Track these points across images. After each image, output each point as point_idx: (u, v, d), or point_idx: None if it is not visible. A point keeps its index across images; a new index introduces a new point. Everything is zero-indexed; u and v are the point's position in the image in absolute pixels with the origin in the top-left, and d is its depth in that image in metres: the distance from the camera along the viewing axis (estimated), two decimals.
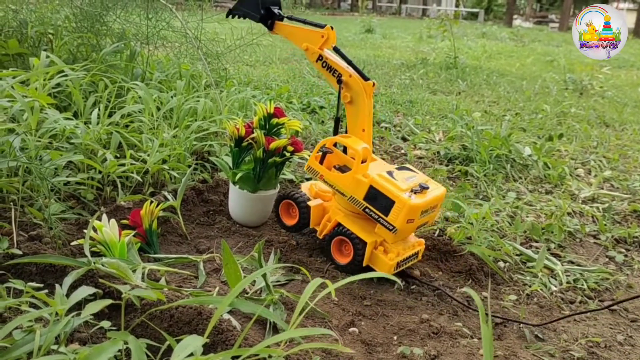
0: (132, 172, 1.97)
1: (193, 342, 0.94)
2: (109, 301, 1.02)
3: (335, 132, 1.84)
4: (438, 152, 3.09)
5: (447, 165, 2.95)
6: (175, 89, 2.76)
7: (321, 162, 1.76)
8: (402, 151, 3.17)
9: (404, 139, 3.43)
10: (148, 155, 2.05)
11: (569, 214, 2.40)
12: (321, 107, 3.75)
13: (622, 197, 2.67)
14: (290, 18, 1.89)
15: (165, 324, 1.25)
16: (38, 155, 1.72)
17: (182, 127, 2.39)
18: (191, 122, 2.46)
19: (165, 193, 1.97)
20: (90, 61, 2.70)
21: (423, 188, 1.63)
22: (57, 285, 1.08)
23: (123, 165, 1.95)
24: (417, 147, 3.23)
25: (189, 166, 2.17)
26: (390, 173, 1.68)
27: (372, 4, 36.42)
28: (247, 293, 1.48)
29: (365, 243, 1.67)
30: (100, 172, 1.92)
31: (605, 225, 2.30)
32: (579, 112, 4.62)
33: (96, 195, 1.94)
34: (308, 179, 2.43)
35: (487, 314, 1.15)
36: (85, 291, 1.09)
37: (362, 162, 1.68)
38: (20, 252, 1.43)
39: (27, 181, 1.69)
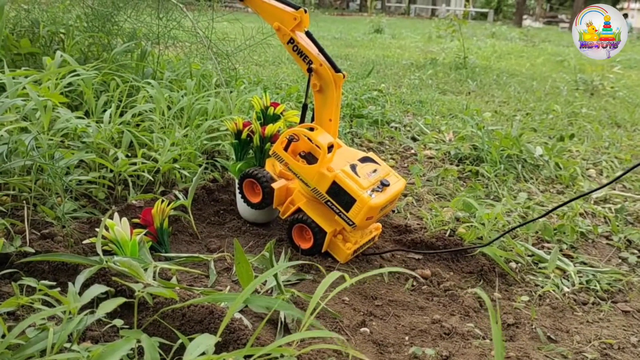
0: (144, 171, 1.97)
1: (205, 341, 0.95)
2: (122, 300, 1.02)
3: (303, 119, 1.84)
4: (448, 152, 3.08)
5: (457, 165, 2.93)
6: (185, 88, 2.77)
7: (286, 149, 1.75)
8: (412, 151, 3.16)
9: (414, 139, 3.42)
10: (159, 154, 2.05)
11: (581, 214, 2.38)
12: None
13: (635, 197, 2.64)
14: None
15: (177, 322, 1.25)
16: (51, 154, 1.73)
17: (192, 126, 2.39)
18: (202, 121, 2.47)
19: (176, 192, 1.97)
20: (102, 60, 2.71)
21: (384, 185, 1.68)
22: (69, 284, 1.08)
23: (134, 164, 1.95)
24: (427, 147, 3.22)
25: (200, 165, 2.17)
26: (353, 167, 1.71)
27: (381, 4, 36.37)
28: (259, 292, 1.48)
29: (324, 232, 1.72)
30: (111, 171, 1.92)
31: (618, 226, 2.28)
32: (590, 112, 4.59)
33: (108, 194, 1.94)
34: None
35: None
36: (97, 289, 1.09)
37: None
38: (32, 251, 1.44)
39: (40, 180, 1.70)
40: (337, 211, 1.68)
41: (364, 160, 1.78)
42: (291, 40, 1.74)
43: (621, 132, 4.00)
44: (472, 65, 6.86)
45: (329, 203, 1.69)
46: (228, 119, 2.58)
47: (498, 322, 0.83)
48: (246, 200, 1.90)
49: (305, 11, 1.73)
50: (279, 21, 1.75)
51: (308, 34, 1.74)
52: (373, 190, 1.66)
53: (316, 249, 1.76)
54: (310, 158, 1.77)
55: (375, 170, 1.74)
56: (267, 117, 2.05)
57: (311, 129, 1.74)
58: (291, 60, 6.35)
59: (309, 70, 1.73)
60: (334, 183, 1.67)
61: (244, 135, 1.96)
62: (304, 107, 1.83)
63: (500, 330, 0.87)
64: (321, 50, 1.73)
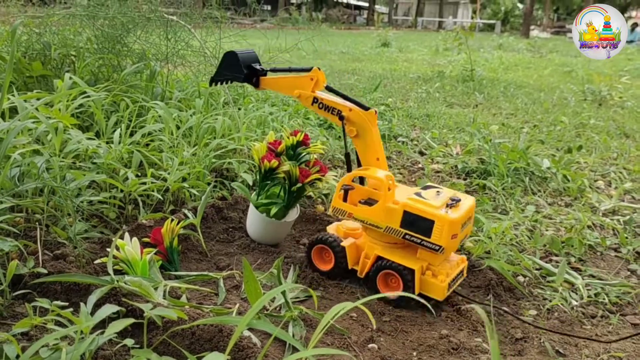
0: (153, 191, 2.00)
1: None
2: (131, 320, 1.04)
3: (349, 169, 1.82)
4: (456, 166, 3.09)
5: (465, 179, 2.94)
6: (194, 107, 2.81)
7: (344, 200, 1.72)
8: (420, 165, 3.17)
9: (422, 153, 3.43)
10: (168, 173, 2.08)
11: (589, 227, 2.38)
12: None
13: None
14: (273, 70, 1.89)
15: (187, 341, 1.27)
16: (62, 176, 1.76)
17: (201, 145, 2.42)
18: (210, 140, 2.50)
19: (186, 211, 2.00)
20: (112, 82, 2.76)
21: (455, 201, 1.60)
22: (81, 304, 1.10)
23: (144, 183, 1.99)
24: (434, 161, 3.23)
25: (209, 184, 2.20)
26: (418, 194, 1.64)
27: (387, 18, 36.56)
28: (267, 310, 1.50)
29: (412, 271, 1.61)
30: (122, 191, 1.95)
31: (627, 238, 2.27)
32: (598, 123, 4.58)
33: (118, 214, 1.97)
34: (326, 195, 2.45)
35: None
36: (109, 309, 1.12)
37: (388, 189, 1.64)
38: (45, 271, 1.47)
39: (52, 201, 1.73)
40: (419, 241, 1.59)
41: (425, 188, 1.72)
42: (315, 100, 1.77)
43: (630, 143, 3.99)
44: (479, 78, 6.88)
45: (407, 236, 1.60)
46: (248, 138, 2.62)
47: (495, 337, 0.84)
48: (314, 268, 1.81)
49: (319, 69, 1.76)
50: (298, 89, 1.79)
51: (328, 88, 1.77)
52: (447, 207, 1.58)
53: (408, 292, 1.58)
54: (371, 203, 1.70)
55: (439, 192, 1.67)
56: (296, 153, 2.02)
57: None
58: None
59: (341, 118, 1.73)
60: (406, 212, 1.59)
61: (271, 165, 1.92)
62: (347, 156, 1.82)
63: (497, 346, 0.88)
64: (344, 97, 1.75)
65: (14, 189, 1.61)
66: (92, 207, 1.90)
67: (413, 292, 1.59)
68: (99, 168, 1.97)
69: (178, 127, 2.46)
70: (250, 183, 2.31)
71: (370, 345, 1.44)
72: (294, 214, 2.00)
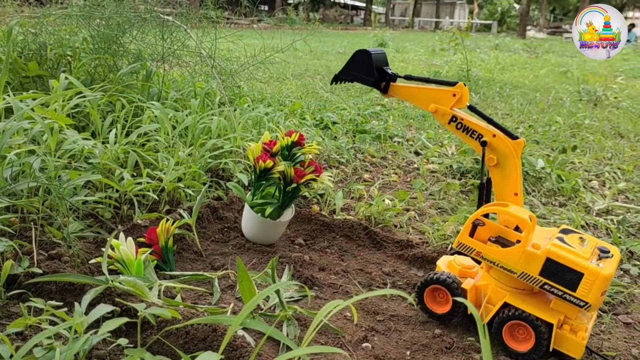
0: (149, 191, 2.01)
1: (208, 359, 0.97)
2: (125, 319, 1.05)
3: (481, 201, 1.64)
4: (451, 166, 3.10)
5: (460, 179, 2.95)
6: (190, 107, 2.81)
7: (471, 236, 1.53)
8: (415, 165, 3.18)
9: (417, 153, 3.44)
10: (164, 173, 2.09)
11: (582, 226, 2.39)
12: (334, 123, 3.78)
13: (637, 209, 2.65)
14: (407, 78, 1.73)
15: (181, 340, 1.28)
16: (57, 176, 1.77)
17: (197, 145, 2.43)
18: (206, 140, 2.51)
19: (181, 211, 2.00)
20: (108, 82, 2.76)
21: (604, 252, 1.42)
22: (76, 304, 1.11)
23: (140, 183, 1.99)
24: (429, 161, 3.24)
25: (204, 184, 2.21)
26: (561, 240, 1.46)
27: (384, 18, 36.59)
28: (262, 309, 1.51)
29: (550, 325, 1.43)
30: (117, 191, 1.96)
31: (620, 237, 2.29)
32: (593, 123, 4.60)
33: (114, 214, 1.98)
34: (321, 195, 2.46)
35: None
36: (103, 309, 1.12)
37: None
38: (40, 271, 1.47)
39: (47, 201, 1.73)
40: (561, 294, 1.40)
41: (565, 232, 1.52)
42: (453, 119, 1.60)
43: (624, 143, 4.01)
44: (475, 78, 6.90)
45: (545, 286, 1.41)
46: (243, 138, 2.62)
47: (486, 336, 0.85)
48: (430, 313, 1.62)
49: (465, 85, 1.60)
50: (434, 102, 1.62)
51: (471, 108, 1.61)
52: (599, 259, 1.40)
53: (541, 349, 1.44)
54: (501, 243, 1.53)
55: (583, 239, 1.48)
56: (291, 154, 2.00)
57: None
58: (295, 76, 6.41)
59: (483, 144, 1.56)
60: (549, 260, 1.40)
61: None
62: (481, 188, 1.63)
63: (489, 345, 0.89)
64: (489, 120, 1.57)
65: (9, 188, 1.61)
66: (87, 207, 1.91)
67: (547, 349, 1.44)
68: (95, 168, 1.97)
69: (174, 127, 2.47)
70: (246, 183, 2.32)
71: (364, 345, 1.45)
72: (289, 214, 2.01)
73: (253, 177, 1.98)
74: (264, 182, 1.97)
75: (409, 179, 2.95)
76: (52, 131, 1.82)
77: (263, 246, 1.97)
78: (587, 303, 1.37)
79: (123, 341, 1.19)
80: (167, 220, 1.73)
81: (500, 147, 1.54)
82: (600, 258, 1.41)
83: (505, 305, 1.49)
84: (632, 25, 21.75)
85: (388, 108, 4.67)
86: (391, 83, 1.71)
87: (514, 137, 1.53)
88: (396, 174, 3.01)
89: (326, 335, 1.46)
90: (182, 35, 3.25)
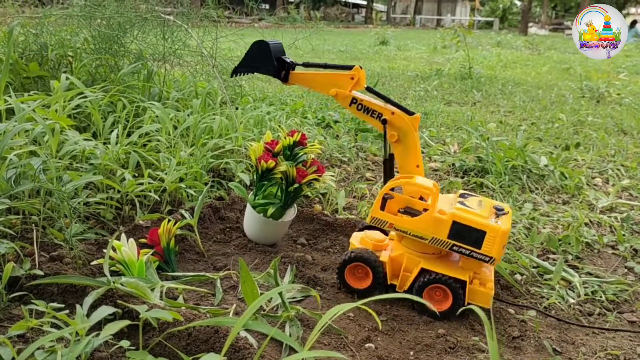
0: (150, 191, 2.00)
1: None
2: (126, 322, 1.04)
3: (387, 176, 1.74)
4: (453, 164, 3.09)
5: (462, 178, 2.94)
6: (191, 107, 2.80)
7: (382, 209, 1.62)
8: None
9: None
10: (165, 174, 2.08)
11: (586, 224, 2.38)
12: (336, 122, 3.77)
13: None
14: (306, 65, 1.78)
15: (183, 342, 1.27)
16: (59, 177, 1.76)
17: (198, 145, 2.42)
18: (207, 140, 2.50)
19: (183, 211, 2.00)
20: (109, 82, 2.76)
21: (499, 211, 1.56)
22: (77, 306, 1.10)
23: (141, 184, 1.99)
24: (432, 160, 3.23)
25: (206, 184, 2.20)
26: (462, 203, 1.58)
27: (386, 16, 36.55)
28: (264, 310, 1.50)
29: (464, 282, 1.55)
30: (119, 191, 1.95)
31: (624, 235, 2.28)
32: (596, 120, 4.59)
33: (115, 215, 1.97)
34: (323, 194, 2.45)
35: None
36: (105, 311, 1.12)
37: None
38: (42, 273, 1.47)
39: (48, 202, 1.73)
40: (468, 252, 1.53)
41: (464, 196, 1.65)
42: (354, 101, 1.69)
43: (627, 140, 3.99)
44: (477, 75, 6.88)
45: (454, 248, 1.54)
46: (245, 137, 2.61)
47: (494, 338, 0.84)
48: (352, 289, 1.68)
49: (361, 67, 1.67)
50: (334, 87, 1.69)
51: (368, 89, 1.69)
52: (496, 217, 1.53)
53: (458, 306, 1.55)
54: (410, 212, 1.63)
55: (480, 202, 1.61)
56: (293, 153, 1.99)
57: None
58: None
59: (383, 122, 1.66)
60: (455, 223, 1.52)
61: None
62: (386, 163, 1.74)
63: (496, 346, 0.88)
64: (386, 99, 1.66)
65: (11, 190, 1.61)
66: (88, 208, 1.90)
67: (463, 304, 1.55)
68: (96, 169, 1.97)
69: (175, 127, 2.46)
70: (248, 183, 2.31)
71: (367, 345, 1.44)
72: (291, 213, 2.00)
73: (255, 177, 1.97)
74: (266, 182, 1.96)
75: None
76: (54, 132, 1.82)
77: (265, 246, 1.96)
78: (491, 258, 1.50)
79: (125, 343, 1.18)
80: (169, 220, 1.72)
81: (399, 123, 1.65)
82: (497, 216, 1.54)
83: (423, 271, 1.59)
84: (635, 22, 21.65)
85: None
86: (290, 71, 1.77)
87: (410, 113, 1.65)
88: (398, 172, 3.00)
89: (329, 335, 1.45)
90: (183, 35, 3.25)
